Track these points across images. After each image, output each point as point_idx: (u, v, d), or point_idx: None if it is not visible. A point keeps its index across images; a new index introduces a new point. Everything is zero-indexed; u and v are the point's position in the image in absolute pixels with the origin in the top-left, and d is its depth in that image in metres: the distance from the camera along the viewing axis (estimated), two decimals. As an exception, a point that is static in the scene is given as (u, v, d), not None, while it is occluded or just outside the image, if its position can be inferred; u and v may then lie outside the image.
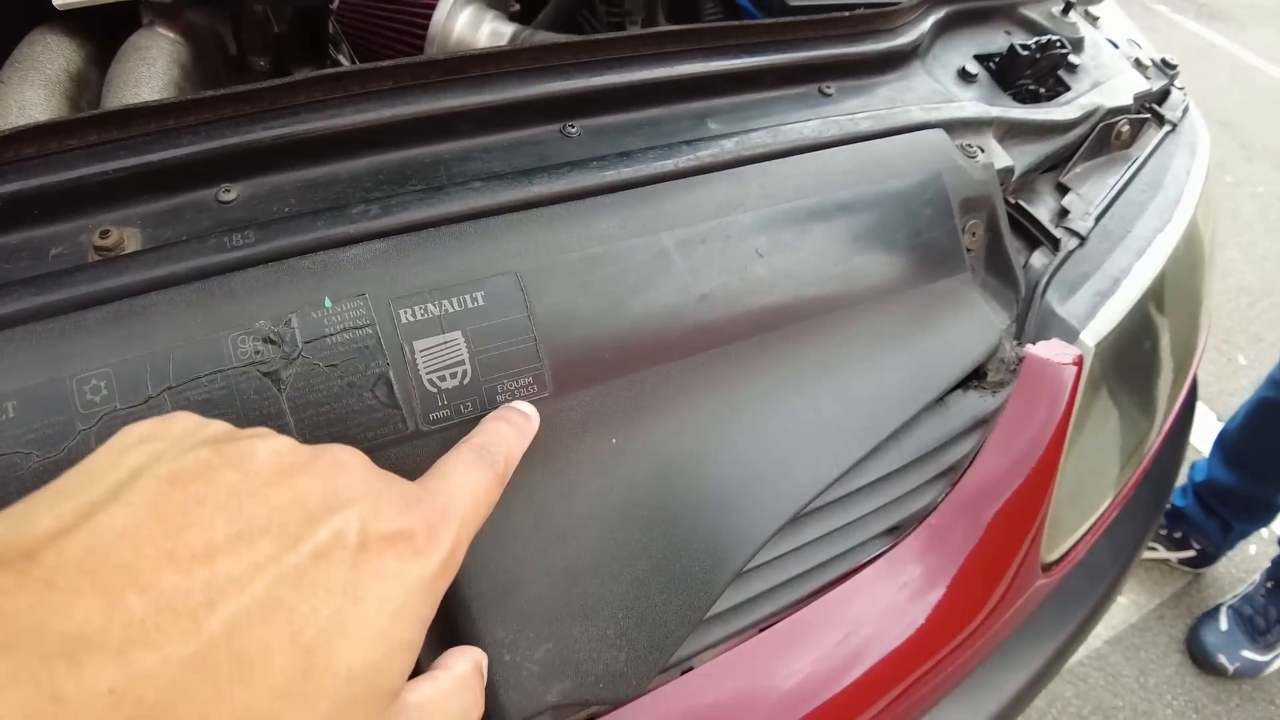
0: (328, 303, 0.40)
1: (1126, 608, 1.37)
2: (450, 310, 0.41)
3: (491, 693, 0.40)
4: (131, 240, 0.42)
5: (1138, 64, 0.79)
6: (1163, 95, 0.79)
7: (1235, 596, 1.41)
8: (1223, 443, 1.38)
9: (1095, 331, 0.61)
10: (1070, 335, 0.61)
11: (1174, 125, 0.77)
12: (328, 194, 0.45)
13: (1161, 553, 1.47)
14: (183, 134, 0.44)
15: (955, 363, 0.55)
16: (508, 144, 0.50)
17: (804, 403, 0.49)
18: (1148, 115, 0.75)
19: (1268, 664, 1.34)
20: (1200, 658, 1.33)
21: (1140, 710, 1.22)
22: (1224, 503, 1.37)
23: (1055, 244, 0.64)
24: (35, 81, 0.64)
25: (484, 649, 0.40)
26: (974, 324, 0.57)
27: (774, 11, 0.77)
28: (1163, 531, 1.46)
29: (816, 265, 0.50)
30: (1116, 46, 0.80)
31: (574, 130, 0.51)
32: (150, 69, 0.64)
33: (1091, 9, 0.83)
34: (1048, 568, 0.61)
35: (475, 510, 0.33)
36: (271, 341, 0.38)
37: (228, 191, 0.45)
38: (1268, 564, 1.41)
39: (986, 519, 0.55)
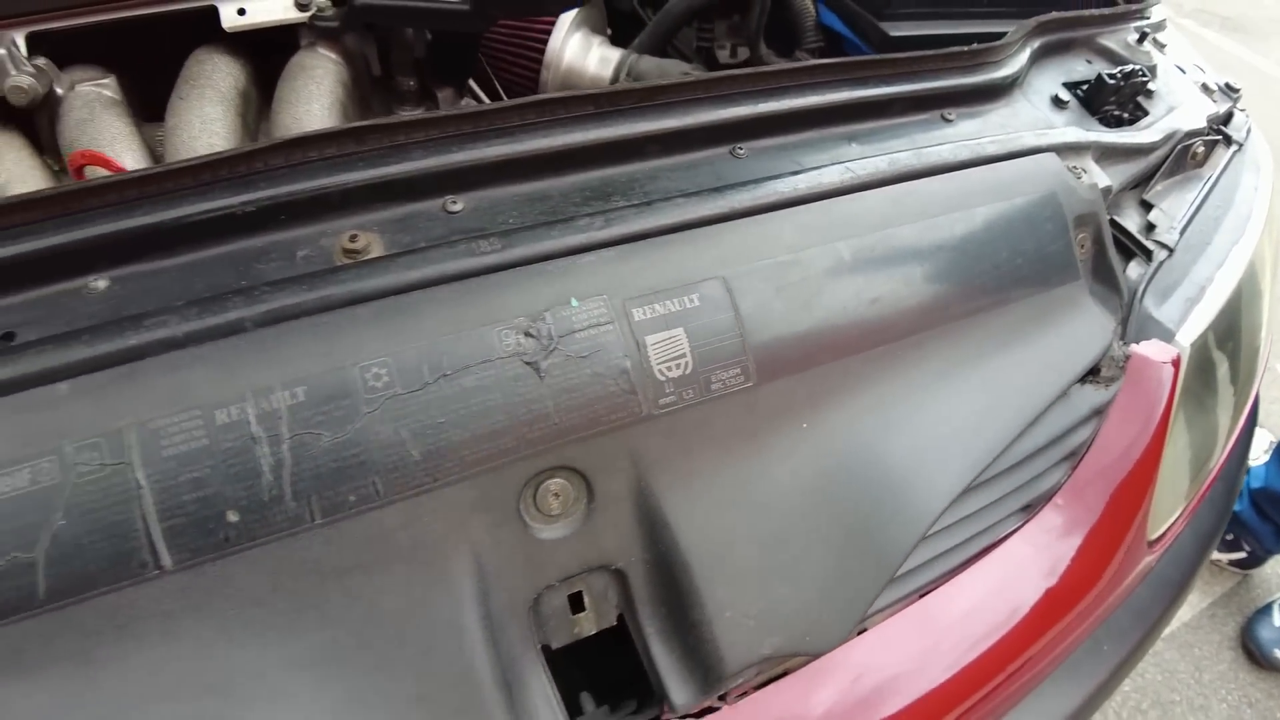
0: (574, 302, 0.47)
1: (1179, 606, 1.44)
2: (673, 310, 0.48)
3: (713, 646, 0.47)
4: (375, 245, 0.50)
5: (1204, 88, 0.88)
6: (1228, 116, 0.88)
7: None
8: None
9: (1188, 333, 0.69)
10: (1166, 337, 0.69)
11: (1240, 145, 0.86)
12: (543, 207, 0.53)
13: (1213, 554, 1.55)
14: (413, 149, 0.52)
15: (1077, 360, 0.63)
16: (687, 164, 0.58)
17: (959, 393, 0.56)
18: (1219, 137, 0.84)
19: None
20: (1256, 653, 1.40)
21: (1196, 705, 1.30)
22: (1277, 507, 1.45)
23: (1148, 255, 0.72)
24: (212, 98, 0.72)
25: (708, 609, 0.47)
26: (1090, 326, 0.65)
27: (873, 39, 0.86)
28: (1221, 535, 1.54)
29: (964, 272, 0.58)
30: (1184, 72, 0.89)
31: (742, 151, 0.59)
32: (318, 86, 0.72)
33: (1159, 37, 0.91)
34: (1152, 544, 0.68)
35: None
36: (530, 335, 0.46)
37: (455, 203, 0.52)
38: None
39: (1105, 498, 0.62)
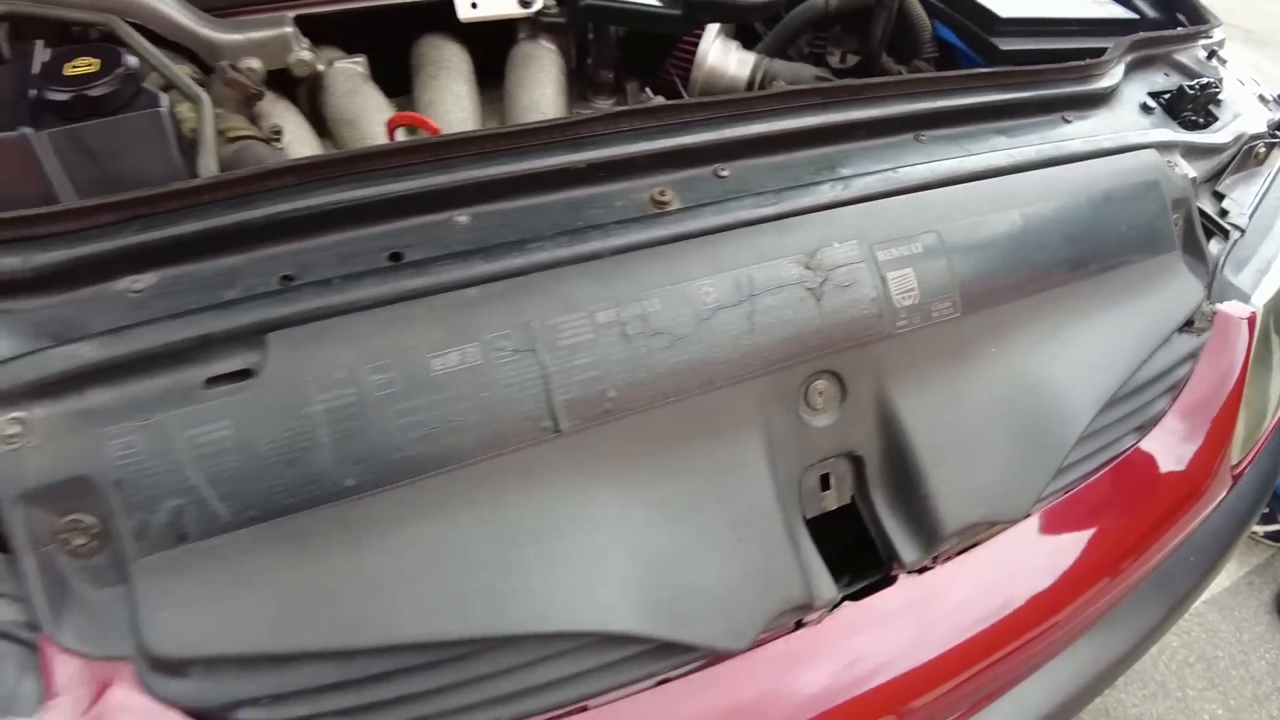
0: (836, 245, 0.63)
1: (1220, 574, 1.63)
2: (904, 254, 0.65)
3: (934, 515, 0.63)
4: (675, 199, 0.65)
5: (1261, 98, 1.06)
6: (1285, 116, 1.07)
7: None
8: None
9: (1260, 297, 0.87)
10: (1243, 299, 0.86)
11: (1293, 145, 1.04)
12: (787, 174, 0.69)
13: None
14: (695, 126, 0.68)
15: (1176, 312, 0.80)
16: (885, 145, 0.74)
17: (1094, 331, 0.73)
18: (1277, 139, 1.02)
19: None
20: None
21: (1238, 660, 1.47)
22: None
23: (1225, 234, 0.90)
24: (456, 78, 0.87)
25: (931, 485, 0.63)
26: (1185, 287, 0.82)
27: (984, 52, 1.03)
28: None
29: (1096, 237, 0.75)
30: (1243, 84, 1.08)
31: (924, 138, 0.76)
32: (546, 74, 0.88)
33: (1220, 53, 1.10)
34: (1233, 469, 0.85)
35: None
36: (809, 268, 0.62)
37: (723, 170, 0.68)
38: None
39: (1202, 425, 0.80)
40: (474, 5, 0.86)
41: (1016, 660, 0.68)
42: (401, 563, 0.54)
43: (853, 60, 1.20)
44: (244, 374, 0.52)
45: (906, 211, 0.67)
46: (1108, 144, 0.82)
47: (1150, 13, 1.18)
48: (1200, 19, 1.13)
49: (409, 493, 0.54)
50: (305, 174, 0.59)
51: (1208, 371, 0.82)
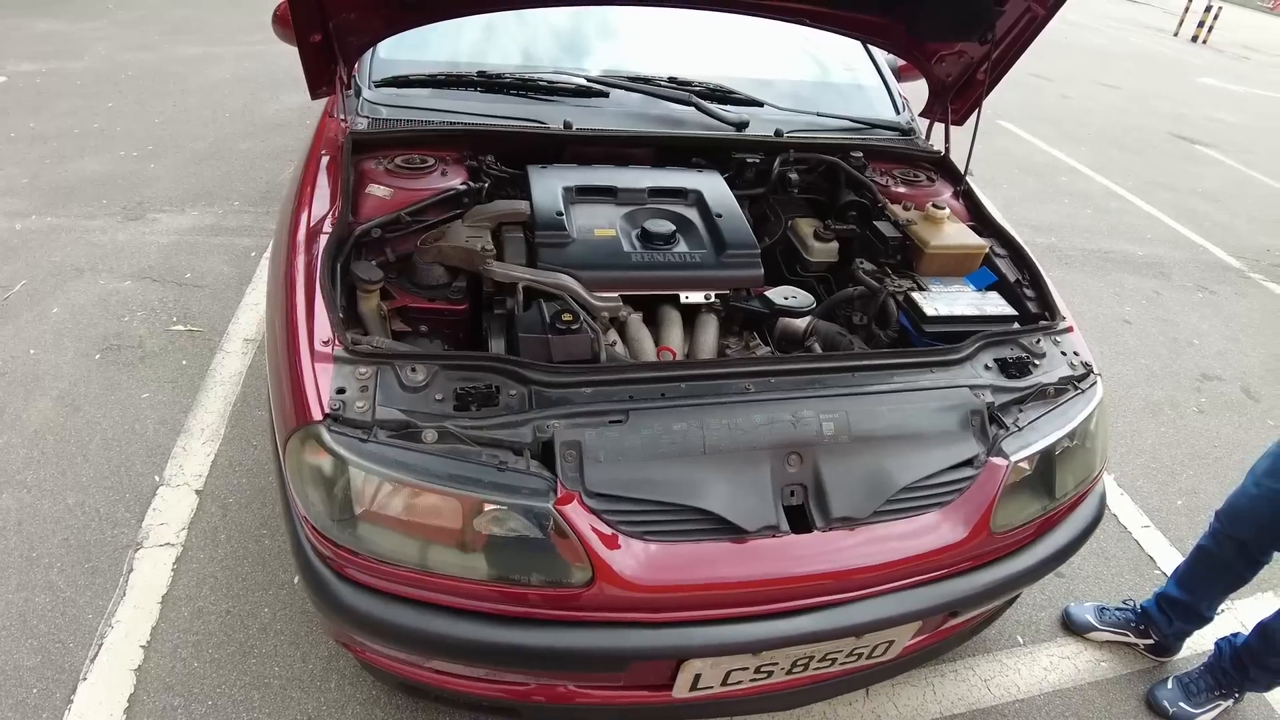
0: (805, 410, 2.17)
1: (1112, 666, 2.85)
2: (830, 416, 2.18)
3: (829, 510, 2.12)
4: (753, 387, 2.21)
5: (1070, 364, 2.49)
6: (1083, 376, 2.48)
7: (1182, 672, 2.88)
8: (1176, 570, 2.93)
9: (1016, 457, 2.29)
10: (1004, 457, 2.29)
11: (1081, 390, 2.46)
12: (797, 384, 2.24)
13: (1131, 639, 2.97)
14: (765, 362, 2.26)
15: (963, 455, 2.25)
16: (837, 377, 2.28)
17: (919, 453, 2.21)
18: (1066, 386, 2.44)
19: (1197, 715, 2.78)
20: (1153, 705, 2.81)
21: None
22: (1172, 608, 2.88)
23: (1005, 427, 2.33)
24: (677, 326, 2.53)
25: (831, 500, 2.14)
26: (973, 447, 2.27)
27: (918, 329, 2.56)
28: (1136, 625, 2.98)
29: (932, 420, 2.23)
30: (1064, 355, 2.52)
31: (858, 375, 2.29)
32: (710, 328, 2.52)
33: (1057, 335, 2.54)
34: (993, 533, 2.25)
35: None
36: (793, 415, 2.15)
37: (773, 380, 2.24)
38: (1207, 657, 2.90)
39: (973, 510, 2.22)
40: (687, 297, 2.51)
41: (854, 582, 2.12)
42: (666, 473, 2.10)
43: (865, 319, 2.75)
44: (620, 422, 2.12)
45: (837, 402, 2.20)
46: (945, 383, 2.31)
47: (1032, 309, 2.67)
48: (1053, 315, 2.60)
49: (665, 462, 2.11)
50: (645, 367, 2.24)
51: (979, 487, 2.25)
